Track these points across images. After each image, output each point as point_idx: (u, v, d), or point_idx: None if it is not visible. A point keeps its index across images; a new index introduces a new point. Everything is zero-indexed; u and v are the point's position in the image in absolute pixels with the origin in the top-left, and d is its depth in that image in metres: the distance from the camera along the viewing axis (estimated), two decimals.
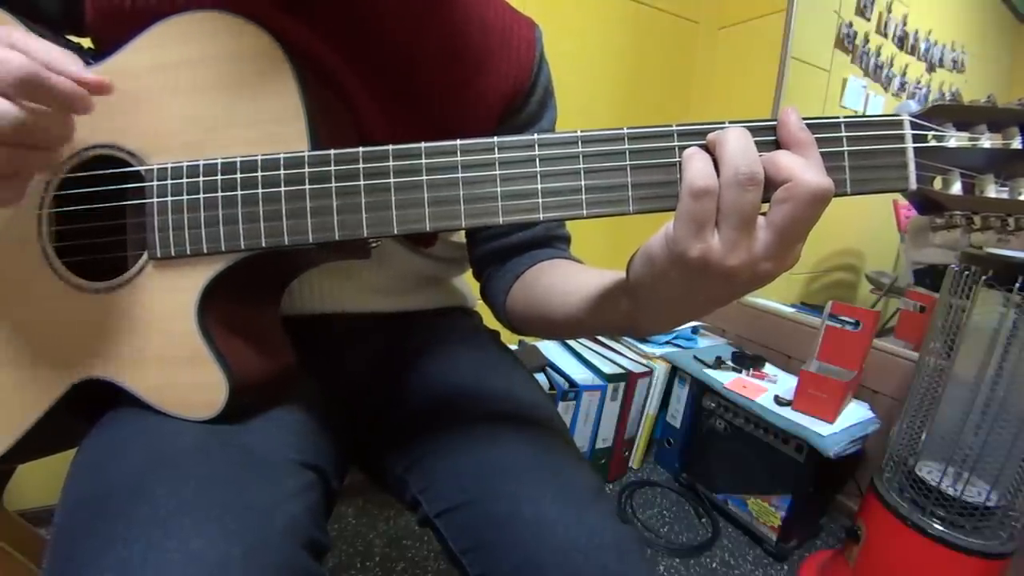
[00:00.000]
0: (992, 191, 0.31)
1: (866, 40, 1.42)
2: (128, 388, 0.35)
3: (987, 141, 0.30)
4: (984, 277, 0.75)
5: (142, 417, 0.35)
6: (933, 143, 0.30)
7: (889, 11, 1.45)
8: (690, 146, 0.29)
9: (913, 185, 0.30)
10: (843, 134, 0.30)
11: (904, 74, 1.53)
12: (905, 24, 1.49)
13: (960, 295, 0.78)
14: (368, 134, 0.43)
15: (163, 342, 0.35)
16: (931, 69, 1.58)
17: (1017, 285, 0.71)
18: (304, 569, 0.31)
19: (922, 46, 1.54)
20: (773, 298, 1.42)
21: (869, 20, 1.42)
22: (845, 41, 1.39)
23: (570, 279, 0.44)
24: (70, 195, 0.35)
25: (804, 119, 0.29)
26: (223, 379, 0.34)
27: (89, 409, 0.37)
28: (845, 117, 0.29)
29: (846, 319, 1.01)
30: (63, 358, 0.35)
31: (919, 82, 1.57)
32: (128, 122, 0.35)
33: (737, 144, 0.27)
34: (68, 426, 0.38)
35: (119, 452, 0.33)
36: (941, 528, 0.76)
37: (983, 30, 1.64)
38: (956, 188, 0.31)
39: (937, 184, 0.31)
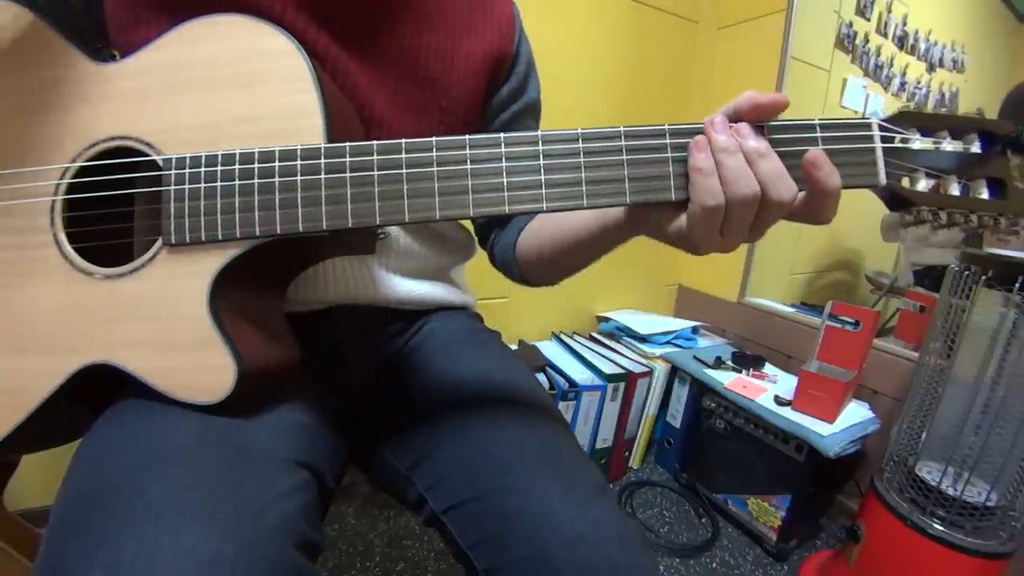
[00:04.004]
0: (956, 190, 0.33)
1: (866, 40, 1.42)
2: (134, 373, 0.35)
3: (948, 146, 0.33)
4: (984, 277, 0.75)
5: (141, 413, 0.35)
6: (899, 144, 0.33)
7: (889, 11, 1.45)
8: (681, 143, 0.33)
9: (883, 180, 0.33)
10: (818, 135, 0.33)
11: (904, 74, 1.53)
12: (905, 24, 1.49)
13: (960, 295, 0.78)
14: (360, 103, 0.45)
15: (173, 327, 0.35)
16: (931, 69, 1.58)
17: (1017, 285, 0.71)
18: (296, 568, 0.31)
19: (922, 46, 1.54)
20: (773, 298, 1.42)
21: (869, 20, 1.42)
22: (845, 41, 1.39)
23: (575, 214, 0.46)
24: (84, 183, 0.36)
25: (783, 121, 0.33)
26: (232, 363, 0.34)
27: (93, 397, 0.38)
28: (820, 119, 0.33)
29: (846, 319, 1.01)
30: (70, 342, 0.36)
31: (919, 82, 1.57)
32: (146, 115, 0.36)
33: (736, 165, 0.31)
34: (71, 414, 0.38)
35: (116, 448, 0.33)
36: (941, 528, 0.76)
37: (983, 30, 1.64)
38: (922, 186, 0.33)
39: (905, 182, 0.33)
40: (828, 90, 1.39)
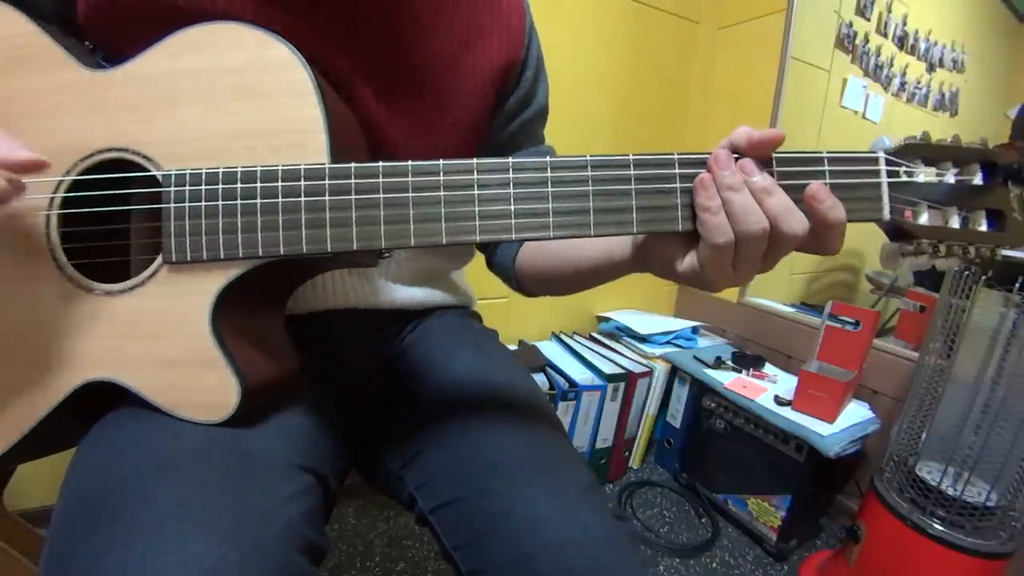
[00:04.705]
0: (956, 222, 0.33)
1: (866, 40, 1.42)
2: (135, 390, 0.35)
3: (951, 177, 0.33)
4: (984, 277, 0.75)
5: (142, 419, 0.35)
6: (904, 178, 0.33)
7: (889, 11, 1.45)
8: (689, 173, 0.33)
9: (887, 215, 0.33)
10: (826, 168, 0.33)
11: (904, 74, 1.53)
12: (905, 24, 1.49)
13: (960, 295, 0.78)
14: (367, 118, 0.43)
15: (174, 345, 0.35)
16: (931, 69, 1.58)
17: (1017, 285, 0.71)
18: (301, 573, 0.31)
19: (922, 46, 1.54)
20: (773, 298, 1.42)
21: (869, 20, 1.42)
22: (845, 41, 1.39)
23: (580, 245, 0.45)
24: (80, 197, 0.35)
25: (792, 152, 0.33)
26: (235, 383, 0.34)
27: (92, 409, 0.37)
28: (828, 152, 0.33)
29: (846, 319, 1.01)
30: (70, 359, 0.35)
31: (919, 82, 1.57)
32: (144, 126, 0.35)
33: (743, 202, 0.31)
34: (69, 427, 0.38)
35: (119, 453, 0.33)
36: (941, 528, 0.76)
37: (983, 30, 1.64)
38: (924, 219, 0.33)
39: (907, 215, 0.33)
40: (828, 90, 1.39)
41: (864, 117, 1.46)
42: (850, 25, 1.38)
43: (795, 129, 1.36)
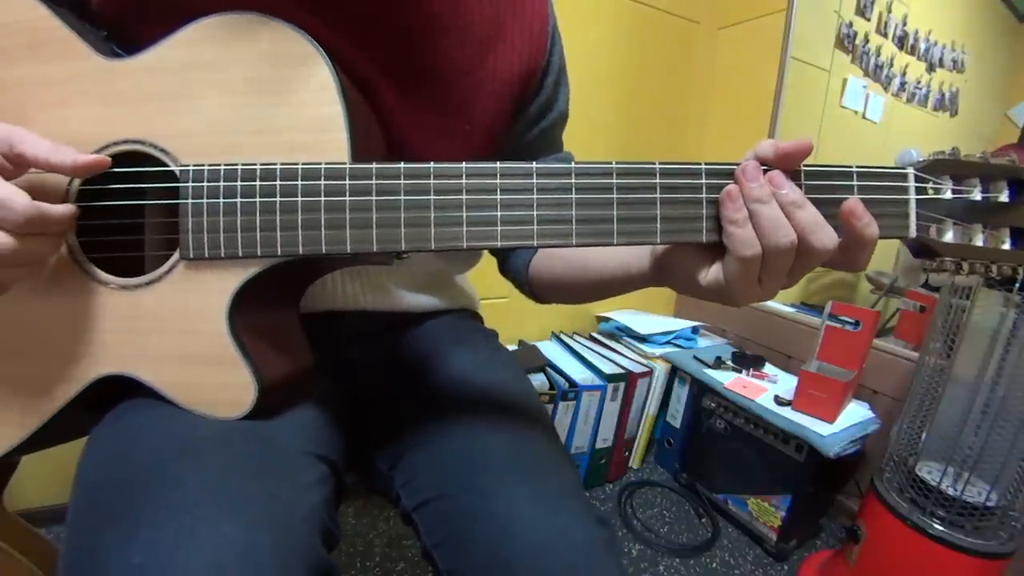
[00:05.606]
0: (980, 240, 0.33)
1: (866, 40, 1.42)
2: (152, 385, 0.35)
3: (978, 194, 0.33)
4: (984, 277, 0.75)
5: (158, 406, 0.35)
6: (932, 195, 0.32)
7: (889, 11, 1.45)
8: (716, 183, 0.32)
9: (913, 233, 0.32)
10: (855, 183, 0.32)
11: (904, 74, 1.53)
12: (905, 24, 1.49)
13: (960, 295, 0.78)
14: (383, 119, 0.42)
15: (191, 341, 0.35)
16: (931, 69, 1.58)
17: (1017, 285, 0.71)
18: (322, 559, 0.32)
19: (922, 46, 1.54)
20: (773, 298, 1.41)
21: (869, 20, 1.42)
22: (845, 41, 1.38)
23: (597, 257, 0.44)
24: (96, 190, 0.35)
25: (821, 166, 0.32)
26: (252, 380, 0.34)
27: (106, 401, 0.37)
28: (857, 167, 0.32)
29: (846, 319, 1.01)
30: (86, 353, 0.35)
31: (919, 82, 1.56)
32: (161, 119, 0.34)
33: (771, 215, 0.30)
34: (82, 418, 0.38)
35: (139, 438, 0.33)
36: (941, 528, 0.76)
37: (983, 30, 1.64)
38: (949, 236, 0.33)
39: (932, 232, 0.33)
40: (828, 90, 1.39)
41: (864, 117, 1.46)
42: (850, 25, 1.38)
43: (795, 129, 1.36)
